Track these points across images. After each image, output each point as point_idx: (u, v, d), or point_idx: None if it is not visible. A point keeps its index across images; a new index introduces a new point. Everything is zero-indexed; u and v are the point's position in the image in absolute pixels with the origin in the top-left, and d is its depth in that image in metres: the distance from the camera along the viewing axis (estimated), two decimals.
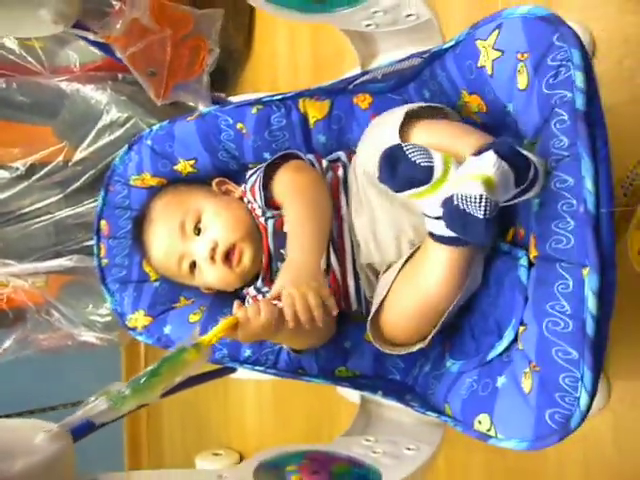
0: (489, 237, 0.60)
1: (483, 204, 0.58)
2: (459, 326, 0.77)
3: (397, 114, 0.75)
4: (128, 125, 1.27)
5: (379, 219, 0.82)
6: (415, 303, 0.74)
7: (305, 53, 1.40)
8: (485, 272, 0.76)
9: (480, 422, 0.64)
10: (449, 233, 0.64)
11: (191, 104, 1.40)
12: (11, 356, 1.40)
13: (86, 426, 0.68)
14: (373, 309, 0.80)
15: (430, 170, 0.62)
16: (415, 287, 0.74)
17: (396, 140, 0.71)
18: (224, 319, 0.74)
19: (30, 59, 1.31)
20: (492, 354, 0.68)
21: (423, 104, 0.77)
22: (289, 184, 0.86)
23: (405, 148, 0.63)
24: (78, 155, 1.31)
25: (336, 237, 0.86)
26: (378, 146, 0.68)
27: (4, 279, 1.31)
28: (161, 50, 0.78)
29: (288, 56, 1.44)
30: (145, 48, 0.75)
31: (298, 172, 0.88)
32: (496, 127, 0.72)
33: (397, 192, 0.64)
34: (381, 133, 0.76)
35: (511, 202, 0.63)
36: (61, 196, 1.34)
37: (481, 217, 0.58)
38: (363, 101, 0.90)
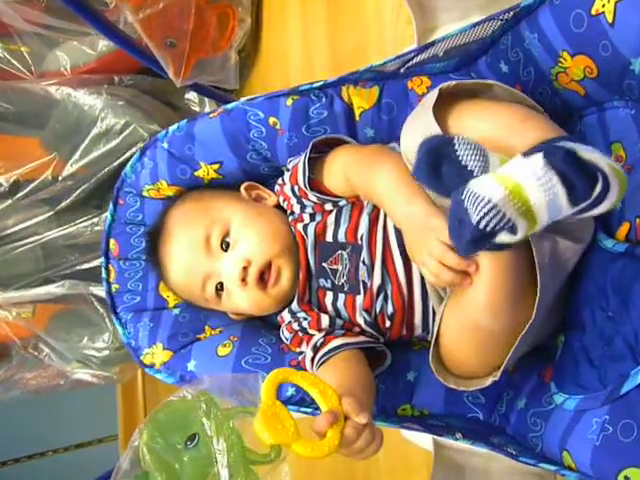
0: (470, 251, 0.45)
1: (485, 212, 0.42)
2: (565, 350, 0.62)
3: (433, 91, 0.62)
4: (126, 132, 1.14)
5: None
6: (466, 333, 0.61)
7: (320, 49, 1.25)
8: (595, 282, 0.60)
9: (628, 479, 0.48)
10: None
11: (197, 109, 1.27)
12: None
13: None
14: (432, 337, 0.65)
15: None
16: (462, 314, 0.60)
17: (432, 123, 0.58)
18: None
19: (15, 63, 1.20)
20: (628, 386, 0.52)
21: (468, 80, 0.64)
22: (357, 156, 0.72)
23: (456, 144, 0.46)
24: (69, 169, 1.17)
25: (399, 242, 0.71)
26: (415, 132, 0.58)
27: None
28: (183, 16, 0.63)
29: (301, 53, 1.30)
30: (163, 11, 0.60)
31: (361, 146, 0.74)
32: (609, 95, 0.58)
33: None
34: (417, 116, 0.64)
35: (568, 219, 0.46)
36: (50, 214, 1.21)
37: (474, 223, 0.42)
38: (420, 85, 0.76)
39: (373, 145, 0.75)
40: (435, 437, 0.85)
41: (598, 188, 0.43)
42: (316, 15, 1.26)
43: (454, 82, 0.64)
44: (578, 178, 0.43)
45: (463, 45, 0.70)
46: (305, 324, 0.77)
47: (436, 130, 0.58)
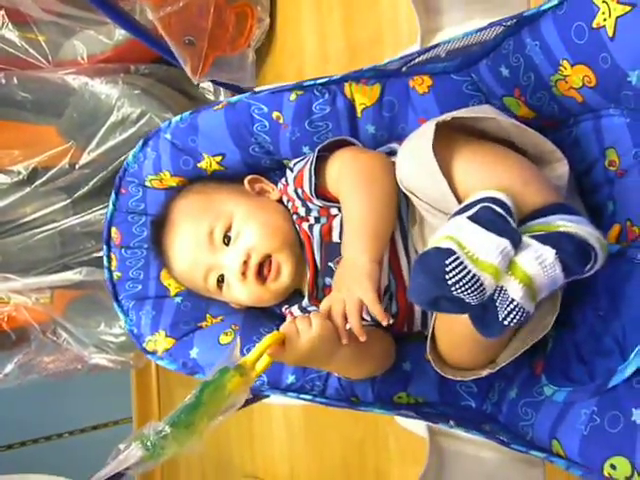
0: (493, 337, 0.54)
1: (510, 310, 0.51)
2: (557, 344, 0.65)
3: (429, 125, 0.62)
4: (142, 122, 1.14)
5: (429, 225, 0.70)
6: (463, 329, 0.62)
7: (336, 41, 1.24)
8: (587, 281, 0.63)
9: (614, 467, 0.51)
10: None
11: (212, 98, 1.27)
12: (13, 382, 1.26)
13: None
14: (429, 331, 0.68)
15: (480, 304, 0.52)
16: (455, 322, 0.63)
17: (431, 161, 0.58)
18: (268, 335, 0.61)
19: (32, 52, 1.19)
20: (615, 380, 0.55)
21: (466, 115, 0.64)
22: (350, 167, 0.73)
23: (448, 273, 0.50)
24: (86, 157, 1.17)
25: (405, 244, 0.73)
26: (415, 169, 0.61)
27: (5, 296, 1.17)
28: (202, 14, 0.64)
29: (316, 45, 1.29)
30: (183, 10, 0.61)
31: (360, 154, 0.75)
32: (605, 103, 0.60)
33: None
34: (416, 148, 0.63)
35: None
36: (67, 202, 1.21)
37: (499, 319, 0.51)
38: (421, 84, 0.77)
39: (371, 155, 0.75)
40: (429, 424, 0.89)
41: (589, 265, 0.53)
42: (331, 10, 1.25)
43: (451, 115, 0.62)
44: (577, 264, 0.52)
45: (466, 47, 0.71)
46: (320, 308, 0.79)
47: (437, 173, 0.59)
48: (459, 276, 0.49)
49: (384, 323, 0.64)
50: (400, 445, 1.12)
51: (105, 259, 0.90)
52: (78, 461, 1.14)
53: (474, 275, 0.50)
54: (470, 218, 0.54)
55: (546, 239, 0.53)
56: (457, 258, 0.50)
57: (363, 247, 0.67)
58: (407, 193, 0.66)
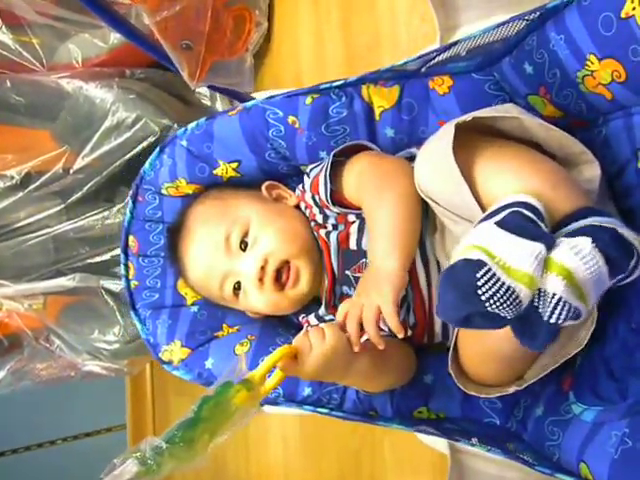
0: (541, 347, 0.49)
1: (554, 306, 0.46)
2: (586, 361, 0.61)
3: (448, 127, 0.59)
4: (137, 126, 1.12)
5: (450, 233, 0.67)
6: (488, 346, 0.60)
7: (334, 44, 1.22)
8: (619, 293, 0.59)
9: None
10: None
11: (208, 104, 1.26)
12: (6, 389, 1.26)
13: None
14: (451, 345, 0.65)
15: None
16: (481, 338, 0.60)
17: (452, 164, 0.55)
18: (279, 348, 0.59)
19: (26, 55, 1.17)
20: None
21: (487, 114, 0.60)
22: (371, 172, 0.70)
23: (480, 287, 0.45)
24: (80, 162, 1.15)
25: (422, 252, 0.70)
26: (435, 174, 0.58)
27: None
28: (199, 18, 0.63)
29: (314, 48, 1.27)
30: (180, 14, 0.60)
31: (380, 158, 0.72)
32: (637, 100, 0.56)
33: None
34: (435, 150, 0.61)
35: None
36: (61, 207, 1.19)
37: (545, 319, 0.46)
38: (441, 85, 0.74)
39: (391, 159, 0.73)
40: (451, 441, 0.85)
41: (633, 262, 0.48)
42: (329, 15, 1.23)
43: (472, 115, 0.59)
44: (619, 256, 0.47)
45: (486, 45, 0.68)
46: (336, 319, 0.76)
47: (457, 177, 0.55)
48: (493, 290, 0.45)
49: (400, 336, 0.62)
50: (397, 455, 1.09)
51: (123, 267, 0.89)
52: (71, 469, 1.13)
53: (509, 287, 0.45)
54: (498, 224, 0.49)
55: (577, 232, 0.48)
56: (489, 270, 0.46)
57: (389, 252, 0.64)
58: (426, 199, 0.63)
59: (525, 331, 0.47)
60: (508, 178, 0.56)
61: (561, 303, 0.45)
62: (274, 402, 0.78)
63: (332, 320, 0.77)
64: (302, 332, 0.64)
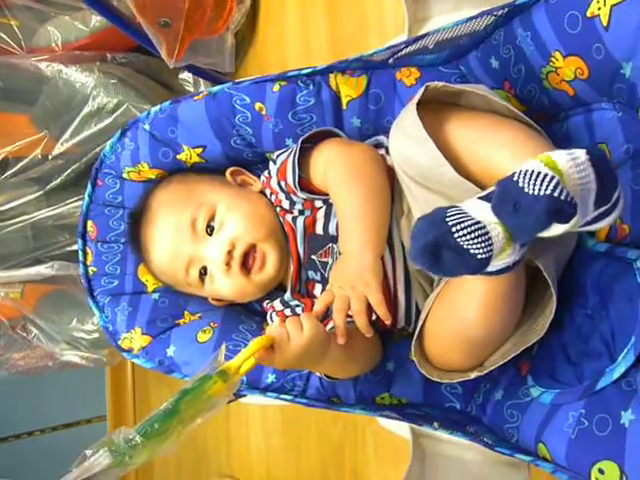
0: (539, 228, 0.43)
1: (548, 181, 0.42)
2: (544, 345, 0.63)
3: (418, 93, 0.61)
4: (118, 112, 1.10)
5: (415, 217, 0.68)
6: (456, 334, 0.62)
7: (319, 32, 1.22)
8: (575, 280, 0.62)
9: (602, 471, 0.50)
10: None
11: (192, 90, 1.24)
12: None
13: None
14: (416, 332, 0.66)
15: (488, 260, 0.45)
16: (453, 317, 0.62)
17: (419, 129, 0.56)
18: (256, 339, 0.58)
19: (5, 37, 1.14)
20: (604, 382, 0.54)
21: (462, 87, 0.62)
22: (340, 160, 0.70)
23: (452, 227, 0.44)
24: (59, 147, 1.13)
25: (390, 236, 0.71)
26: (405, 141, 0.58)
27: None
28: None
29: (299, 36, 1.27)
30: None
31: (348, 146, 0.72)
32: (597, 97, 0.58)
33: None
34: (404, 119, 0.62)
35: (580, 229, 0.47)
36: (40, 194, 1.16)
37: (541, 194, 0.42)
38: (408, 76, 0.76)
39: (360, 146, 0.73)
40: (413, 426, 0.87)
41: (616, 194, 0.45)
42: (315, 1, 1.23)
43: (442, 83, 0.62)
44: (608, 178, 0.45)
45: (454, 38, 0.69)
46: (299, 310, 0.77)
47: (430, 145, 0.56)
48: (460, 220, 0.44)
49: (388, 322, 0.64)
50: (379, 446, 1.10)
51: (80, 253, 0.87)
52: (50, 461, 1.10)
53: (478, 222, 0.44)
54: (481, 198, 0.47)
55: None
56: (459, 207, 0.46)
57: (365, 241, 0.65)
58: (398, 171, 0.64)
59: (519, 214, 0.44)
60: (476, 133, 0.59)
61: (548, 177, 0.43)
62: (237, 391, 0.77)
63: (298, 305, 0.77)
64: (277, 322, 0.64)
